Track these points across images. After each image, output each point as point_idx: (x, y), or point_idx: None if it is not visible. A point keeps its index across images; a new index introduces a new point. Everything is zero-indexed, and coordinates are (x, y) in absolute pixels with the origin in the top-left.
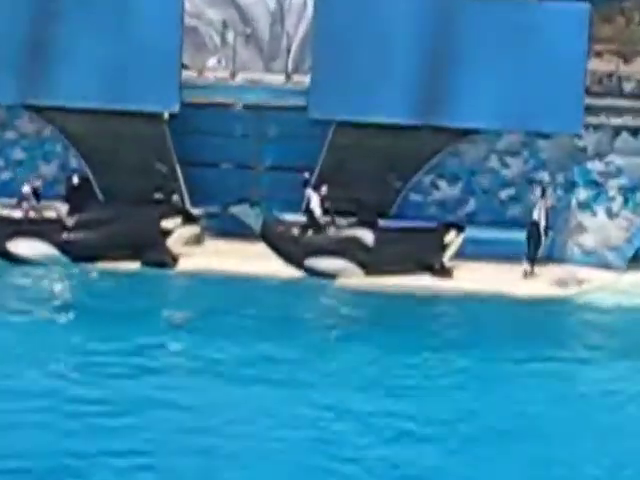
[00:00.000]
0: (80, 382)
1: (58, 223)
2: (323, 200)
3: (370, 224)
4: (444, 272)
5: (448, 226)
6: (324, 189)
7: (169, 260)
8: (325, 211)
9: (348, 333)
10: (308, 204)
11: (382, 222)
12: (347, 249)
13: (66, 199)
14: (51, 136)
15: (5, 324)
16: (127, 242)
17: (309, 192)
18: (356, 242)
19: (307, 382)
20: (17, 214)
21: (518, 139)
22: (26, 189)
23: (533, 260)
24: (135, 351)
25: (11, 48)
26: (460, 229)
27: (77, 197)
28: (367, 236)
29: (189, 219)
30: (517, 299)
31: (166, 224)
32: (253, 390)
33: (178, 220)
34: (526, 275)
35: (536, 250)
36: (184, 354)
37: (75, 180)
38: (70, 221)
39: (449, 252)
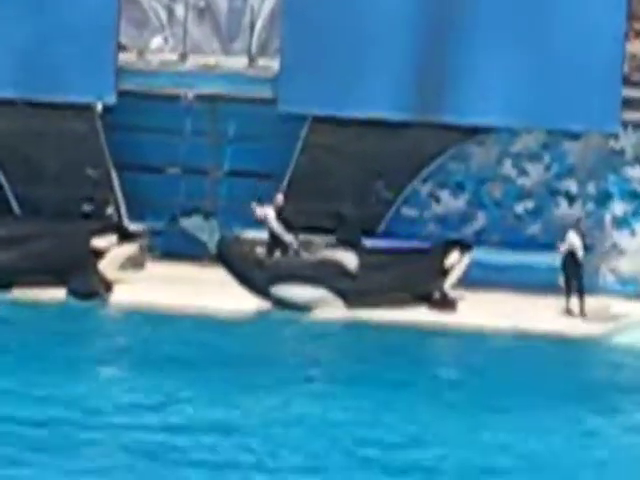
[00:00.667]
0: None
1: None
2: (280, 212)
3: (352, 244)
4: (445, 303)
5: (450, 245)
6: (280, 198)
7: (100, 288)
8: (287, 226)
9: (322, 390)
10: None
11: (368, 242)
12: (324, 275)
13: None
14: None
15: None
16: (49, 265)
17: (261, 210)
18: (335, 266)
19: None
20: None
21: (538, 140)
22: None
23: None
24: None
25: None
26: (465, 248)
27: None
28: (349, 259)
29: (126, 237)
30: (535, 337)
31: (97, 243)
32: None
33: (113, 238)
34: (569, 313)
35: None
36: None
37: None
38: None
39: (451, 278)
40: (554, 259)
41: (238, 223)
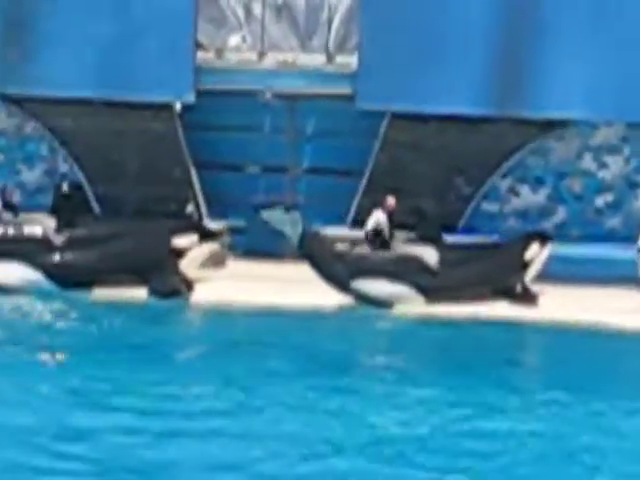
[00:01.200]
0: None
1: (43, 242)
2: (391, 215)
3: (433, 240)
4: (527, 297)
5: (529, 237)
6: (391, 201)
7: (182, 287)
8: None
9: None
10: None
11: (448, 238)
12: (405, 270)
13: (54, 212)
14: (34, 134)
15: None
16: (130, 265)
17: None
18: (416, 262)
19: None
20: None
21: (618, 133)
22: None
23: None
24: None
25: None
26: (544, 240)
27: (67, 209)
28: (429, 254)
29: (206, 235)
30: (626, 333)
31: (178, 242)
32: None
33: (193, 237)
34: None
35: None
36: None
37: (65, 188)
38: (59, 239)
39: (531, 271)
40: (635, 253)
41: (317, 220)
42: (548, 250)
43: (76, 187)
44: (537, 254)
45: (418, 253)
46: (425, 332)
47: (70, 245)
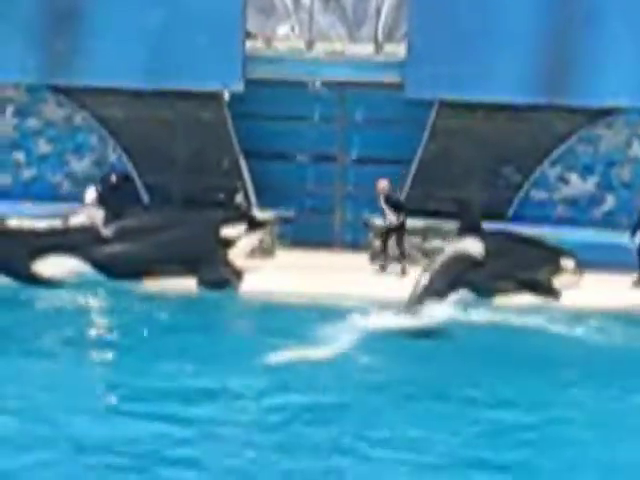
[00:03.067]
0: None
1: (92, 233)
2: (388, 197)
3: (475, 230)
4: (551, 291)
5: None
6: (382, 184)
7: (231, 277)
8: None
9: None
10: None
11: (495, 226)
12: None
13: (102, 203)
14: (84, 124)
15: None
16: (179, 256)
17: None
18: (465, 259)
19: None
20: (42, 225)
21: None
22: (91, 195)
23: None
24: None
25: (33, 16)
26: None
27: (116, 200)
28: (476, 247)
29: (255, 225)
30: None
31: (227, 232)
32: None
33: (242, 227)
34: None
35: None
36: None
37: (114, 179)
38: (107, 230)
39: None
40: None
41: (367, 209)
42: (578, 277)
43: (125, 178)
44: (570, 269)
45: (467, 248)
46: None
47: (119, 236)
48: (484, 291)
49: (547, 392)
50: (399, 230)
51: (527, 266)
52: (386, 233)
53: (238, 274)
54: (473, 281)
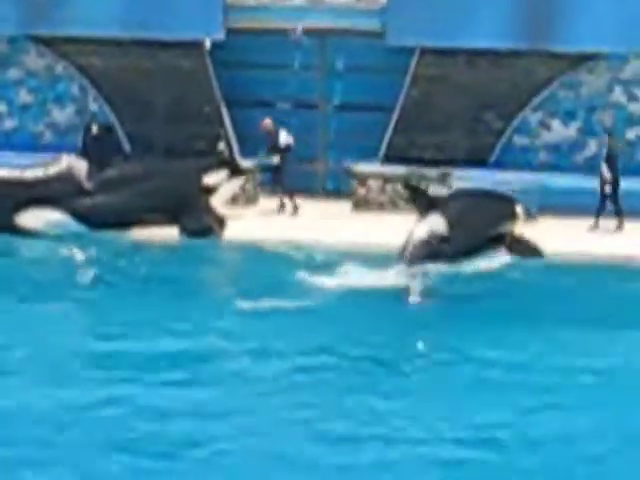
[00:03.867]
0: None
1: (74, 185)
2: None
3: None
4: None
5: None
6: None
7: (214, 225)
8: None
9: None
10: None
11: (479, 173)
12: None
13: (84, 153)
14: (65, 74)
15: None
16: (161, 204)
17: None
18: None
19: None
20: (25, 176)
21: None
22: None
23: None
24: None
25: None
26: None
27: (97, 151)
28: (439, 225)
29: (237, 172)
30: None
31: (209, 179)
32: None
33: (223, 173)
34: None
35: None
36: None
37: (95, 129)
38: (90, 183)
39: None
40: None
41: (349, 156)
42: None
43: (106, 128)
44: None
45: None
46: None
47: (101, 187)
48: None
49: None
50: (277, 169)
51: (492, 223)
52: (274, 172)
53: (220, 221)
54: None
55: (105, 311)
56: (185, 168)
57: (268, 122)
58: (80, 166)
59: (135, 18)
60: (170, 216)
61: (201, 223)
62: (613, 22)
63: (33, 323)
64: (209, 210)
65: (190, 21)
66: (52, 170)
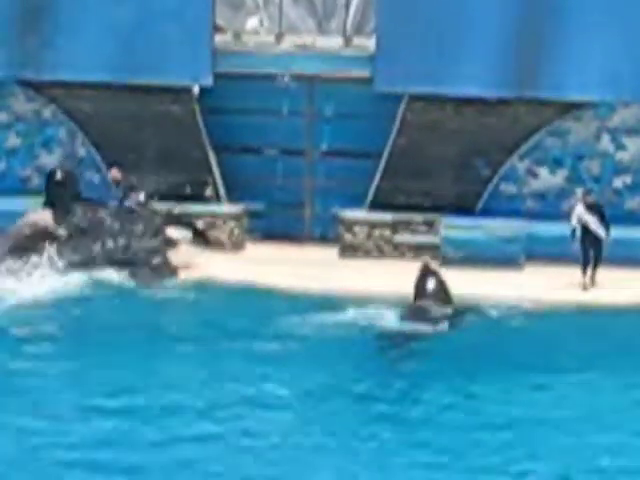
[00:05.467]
0: None
1: (47, 234)
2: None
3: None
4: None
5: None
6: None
7: (165, 275)
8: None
9: None
10: None
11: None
12: None
13: (47, 200)
14: (53, 118)
15: None
16: (119, 257)
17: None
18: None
19: None
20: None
21: (636, 114)
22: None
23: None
24: None
25: (2, 11)
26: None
27: (60, 196)
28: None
29: (196, 232)
30: None
31: (172, 233)
32: None
33: (185, 230)
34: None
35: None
36: None
37: (59, 175)
38: (61, 229)
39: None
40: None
41: (336, 203)
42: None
43: (69, 174)
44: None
45: None
46: None
47: (71, 235)
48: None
49: None
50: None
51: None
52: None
53: (173, 271)
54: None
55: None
56: (144, 222)
57: (115, 172)
58: (47, 215)
59: (123, 63)
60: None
61: (149, 276)
62: (601, 70)
63: None
64: (166, 262)
65: (178, 67)
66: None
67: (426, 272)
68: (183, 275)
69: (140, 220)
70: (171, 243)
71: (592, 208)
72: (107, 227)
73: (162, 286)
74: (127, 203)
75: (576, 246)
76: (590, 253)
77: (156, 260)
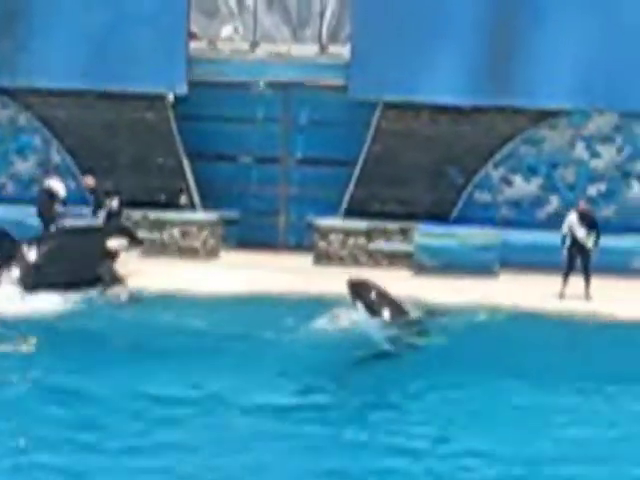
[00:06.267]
0: None
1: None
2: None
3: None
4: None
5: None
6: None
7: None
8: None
9: None
10: None
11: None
12: None
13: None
14: (28, 125)
15: None
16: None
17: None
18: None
19: None
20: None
21: (611, 122)
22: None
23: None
24: None
25: None
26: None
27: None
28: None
29: (134, 240)
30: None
31: (111, 244)
32: None
33: (124, 240)
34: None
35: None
36: None
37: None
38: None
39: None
40: (628, 242)
41: (310, 210)
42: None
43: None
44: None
45: None
46: None
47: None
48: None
49: None
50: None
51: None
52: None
53: (118, 280)
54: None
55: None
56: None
57: (88, 179)
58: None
59: (99, 70)
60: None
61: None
62: (575, 79)
63: None
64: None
65: (153, 74)
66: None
67: (358, 288)
68: (149, 283)
69: (77, 239)
70: (111, 255)
71: (584, 218)
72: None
73: (131, 298)
74: (101, 211)
75: (564, 253)
76: (576, 262)
77: (102, 274)
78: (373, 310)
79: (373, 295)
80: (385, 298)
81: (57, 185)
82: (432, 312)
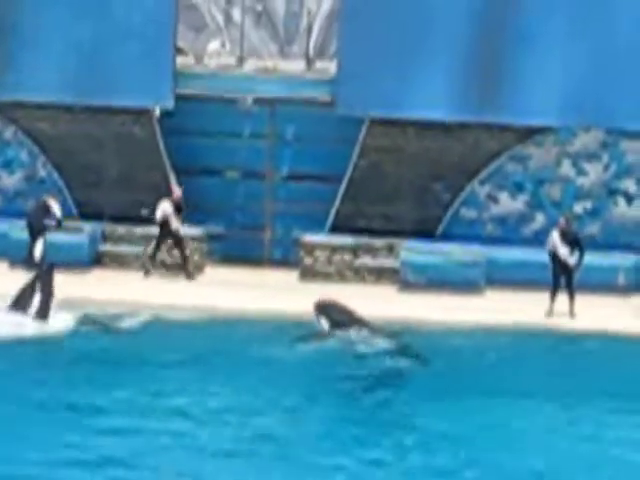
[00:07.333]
0: None
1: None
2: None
3: None
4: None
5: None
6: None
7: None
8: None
9: None
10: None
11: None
12: None
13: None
14: (14, 139)
15: None
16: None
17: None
18: None
19: None
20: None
21: (597, 139)
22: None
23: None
24: None
25: None
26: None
27: None
28: None
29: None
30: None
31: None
32: None
33: None
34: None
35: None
36: None
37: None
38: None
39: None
40: (614, 259)
41: (296, 225)
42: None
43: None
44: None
45: None
46: None
47: None
48: None
49: None
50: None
51: None
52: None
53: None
54: None
55: None
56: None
57: (178, 191)
58: None
59: (85, 85)
60: None
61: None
62: (562, 96)
63: None
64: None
65: (140, 89)
66: None
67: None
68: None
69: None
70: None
71: (565, 236)
72: None
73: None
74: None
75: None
76: (561, 280)
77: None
78: (338, 326)
79: (337, 313)
80: (351, 316)
81: (55, 205)
82: (396, 334)
